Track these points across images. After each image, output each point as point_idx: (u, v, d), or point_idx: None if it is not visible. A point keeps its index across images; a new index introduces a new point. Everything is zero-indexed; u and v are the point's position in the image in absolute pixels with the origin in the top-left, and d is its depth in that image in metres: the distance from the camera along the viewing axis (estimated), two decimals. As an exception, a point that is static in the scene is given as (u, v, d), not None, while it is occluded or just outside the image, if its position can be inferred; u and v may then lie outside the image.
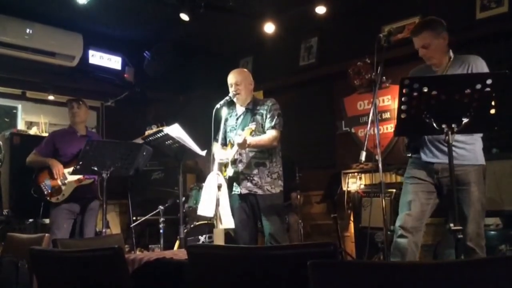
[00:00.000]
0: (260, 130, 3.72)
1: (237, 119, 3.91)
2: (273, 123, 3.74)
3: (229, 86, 3.87)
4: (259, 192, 3.70)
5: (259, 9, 5.61)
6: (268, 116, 3.78)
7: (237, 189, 3.76)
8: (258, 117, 3.81)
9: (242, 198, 3.76)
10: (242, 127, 3.78)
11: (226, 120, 3.99)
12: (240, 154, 3.74)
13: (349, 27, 5.81)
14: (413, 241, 2.86)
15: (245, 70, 4.06)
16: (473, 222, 2.76)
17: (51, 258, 2.00)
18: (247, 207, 3.76)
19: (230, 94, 3.84)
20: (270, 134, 3.69)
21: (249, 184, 3.72)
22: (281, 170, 3.85)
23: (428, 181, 2.93)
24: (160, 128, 3.74)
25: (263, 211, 3.71)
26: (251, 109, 3.86)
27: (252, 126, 3.55)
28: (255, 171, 3.73)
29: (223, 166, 3.86)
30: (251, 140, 3.53)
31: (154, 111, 6.98)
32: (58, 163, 4.31)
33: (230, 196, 3.75)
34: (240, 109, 3.94)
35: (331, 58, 5.96)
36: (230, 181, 3.77)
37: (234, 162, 3.76)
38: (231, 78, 3.87)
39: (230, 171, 3.74)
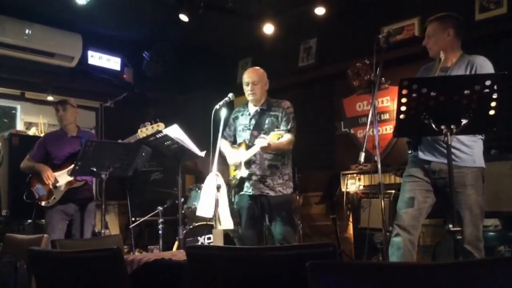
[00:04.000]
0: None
1: (251, 119, 3.88)
2: (289, 127, 3.73)
3: (245, 84, 3.84)
4: (271, 193, 3.71)
5: (258, 10, 5.62)
6: (284, 119, 3.77)
7: (249, 190, 3.76)
8: (273, 119, 3.80)
9: (253, 198, 3.76)
10: (257, 128, 3.77)
11: (237, 118, 3.97)
12: (254, 155, 3.73)
13: (348, 28, 5.81)
14: (409, 239, 2.85)
15: (261, 69, 3.99)
16: (470, 225, 2.74)
17: (50, 259, 1.99)
18: (257, 207, 3.76)
19: (246, 94, 3.82)
20: (287, 137, 3.68)
21: (261, 185, 3.72)
22: (291, 172, 3.86)
23: (425, 180, 2.93)
24: (158, 129, 3.73)
25: (274, 212, 3.72)
26: (266, 110, 3.84)
27: (281, 132, 3.52)
28: (268, 173, 3.73)
29: (234, 166, 3.86)
30: (273, 143, 3.52)
31: (153, 112, 6.98)
32: (47, 168, 4.24)
33: (239, 195, 3.79)
34: (253, 109, 3.90)
35: (330, 59, 5.96)
36: (242, 181, 3.78)
37: (248, 163, 3.75)
38: (248, 77, 3.83)
39: (244, 172, 3.73)
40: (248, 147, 3.76)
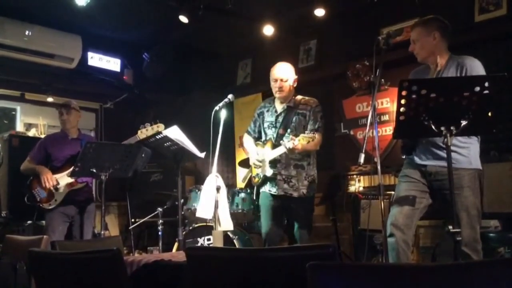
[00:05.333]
0: (302, 131, 3.64)
1: (277, 116, 3.81)
2: (316, 126, 3.67)
3: (273, 80, 3.75)
4: (295, 194, 3.68)
5: (258, 11, 5.62)
6: (312, 118, 3.71)
7: (273, 189, 3.73)
8: (301, 118, 3.73)
9: (276, 198, 3.73)
10: (284, 126, 3.73)
11: (262, 113, 3.91)
12: (279, 155, 3.68)
13: (348, 29, 5.80)
14: (402, 239, 2.84)
15: (290, 65, 3.88)
16: (468, 227, 2.73)
17: (50, 260, 1.99)
18: (279, 207, 3.74)
19: (273, 91, 3.75)
20: (315, 138, 3.59)
21: (286, 185, 3.69)
22: (316, 173, 3.82)
23: (421, 182, 2.93)
24: (158, 130, 3.73)
25: (295, 214, 3.71)
26: (293, 108, 3.77)
27: (312, 135, 3.45)
28: (294, 173, 3.70)
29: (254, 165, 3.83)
30: (301, 146, 3.47)
31: (153, 113, 6.98)
32: (46, 171, 4.24)
33: (261, 193, 3.78)
34: (280, 106, 3.82)
35: (330, 60, 5.96)
36: (265, 180, 3.75)
37: (274, 162, 3.71)
38: (278, 73, 3.74)
39: (268, 171, 3.70)
40: (274, 145, 3.72)
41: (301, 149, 3.51)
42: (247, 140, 3.97)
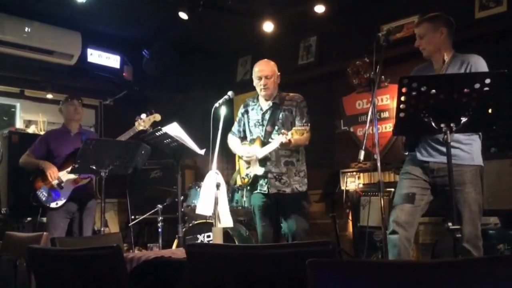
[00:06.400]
0: (289, 127, 3.61)
1: (264, 114, 3.78)
2: (304, 121, 3.65)
3: (256, 79, 3.72)
4: (288, 191, 3.65)
5: (258, 8, 5.61)
6: (298, 113, 3.68)
7: (263, 188, 3.70)
8: (287, 114, 3.71)
9: (269, 197, 3.70)
10: (272, 123, 3.71)
11: (246, 112, 3.88)
12: (269, 153, 3.65)
13: (348, 26, 5.80)
14: (405, 236, 2.85)
15: (272, 61, 3.83)
16: (469, 223, 2.75)
17: (50, 257, 1.99)
18: (272, 206, 3.71)
19: (258, 89, 3.71)
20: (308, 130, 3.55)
21: (277, 183, 3.66)
22: (305, 168, 3.79)
23: (423, 178, 2.93)
24: (155, 120, 3.70)
25: (289, 210, 3.66)
26: (279, 104, 3.74)
27: (305, 127, 3.43)
28: (284, 170, 3.66)
29: (246, 162, 3.78)
30: (294, 139, 3.43)
31: (154, 111, 6.97)
32: (51, 166, 4.22)
33: (253, 194, 3.74)
34: (265, 103, 3.79)
35: (330, 57, 5.95)
36: (255, 180, 3.71)
37: (263, 160, 3.67)
38: (262, 71, 3.70)
39: (259, 170, 3.66)
40: (263, 143, 3.69)
41: (294, 143, 3.49)
42: (233, 141, 3.92)
